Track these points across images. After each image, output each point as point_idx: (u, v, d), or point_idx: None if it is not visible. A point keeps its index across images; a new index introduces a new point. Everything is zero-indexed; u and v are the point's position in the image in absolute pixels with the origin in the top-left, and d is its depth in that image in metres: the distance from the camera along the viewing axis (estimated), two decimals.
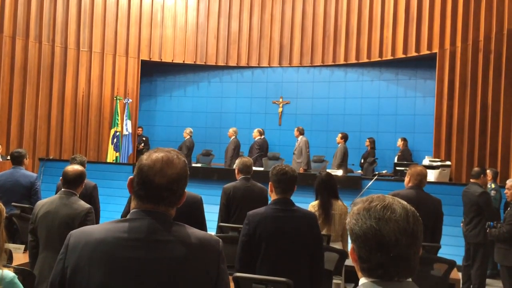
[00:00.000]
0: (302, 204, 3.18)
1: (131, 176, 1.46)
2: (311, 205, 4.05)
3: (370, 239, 1.11)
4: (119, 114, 10.39)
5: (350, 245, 1.22)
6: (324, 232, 3.86)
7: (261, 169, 8.23)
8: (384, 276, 1.12)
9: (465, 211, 5.58)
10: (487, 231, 4.96)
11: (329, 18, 10.75)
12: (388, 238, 1.09)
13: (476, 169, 5.76)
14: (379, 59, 10.07)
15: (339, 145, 9.07)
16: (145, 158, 1.44)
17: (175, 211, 1.46)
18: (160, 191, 1.40)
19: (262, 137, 9.90)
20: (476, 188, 5.45)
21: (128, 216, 1.41)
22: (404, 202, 1.16)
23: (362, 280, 1.16)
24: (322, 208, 3.97)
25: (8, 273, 1.65)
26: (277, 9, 11.18)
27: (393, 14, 9.76)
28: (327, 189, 4.05)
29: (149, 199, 1.40)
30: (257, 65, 11.34)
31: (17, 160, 5.10)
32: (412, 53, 9.47)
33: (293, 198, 2.93)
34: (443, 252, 4.00)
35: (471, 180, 5.66)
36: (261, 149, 9.68)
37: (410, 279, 1.14)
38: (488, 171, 6.16)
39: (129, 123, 10.50)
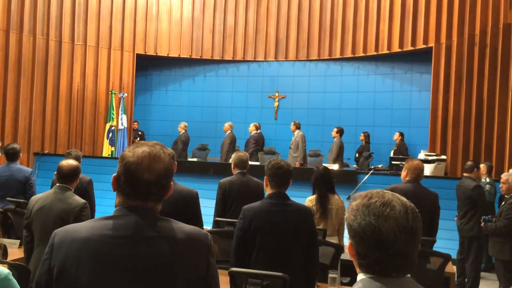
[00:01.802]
0: (298, 199, 3.17)
1: (114, 174, 1.42)
2: (308, 200, 4.06)
3: (369, 236, 1.10)
4: (114, 109, 10.34)
5: (346, 240, 1.21)
6: (321, 226, 3.87)
7: (257, 163, 8.22)
8: (382, 272, 1.11)
9: (459, 205, 5.61)
10: (482, 225, 4.98)
11: (325, 12, 10.72)
12: (387, 236, 1.08)
13: (469, 163, 5.77)
14: (375, 53, 10.06)
15: (334, 139, 9.08)
16: (130, 155, 1.39)
17: (161, 205, 1.44)
18: (149, 187, 1.38)
19: (258, 131, 9.89)
20: (470, 182, 5.47)
21: (113, 213, 1.39)
22: (404, 199, 1.15)
23: (361, 276, 1.15)
24: (320, 203, 3.98)
25: (2, 269, 1.63)
26: (273, 3, 11.14)
27: (389, 8, 9.75)
28: (324, 184, 4.06)
29: (138, 196, 1.38)
30: (253, 59, 11.31)
31: (12, 156, 5.07)
32: (408, 47, 9.48)
33: (289, 192, 2.93)
34: (437, 246, 4.02)
35: (464, 174, 5.68)
36: (257, 144, 9.67)
37: (409, 275, 1.14)
38: (482, 165, 6.18)
39: (124, 117, 10.45)
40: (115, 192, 1.44)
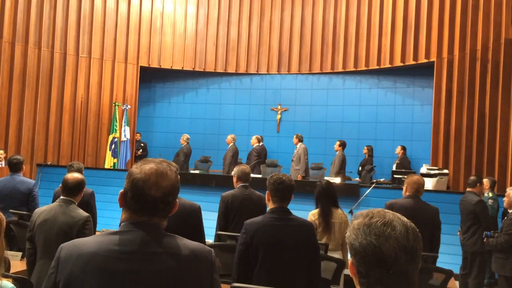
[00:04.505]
0: (300, 211, 3.18)
1: (121, 190, 1.45)
2: (311, 214, 4.05)
3: (370, 255, 1.11)
4: (118, 120, 10.39)
5: (350, 255, 1.22)
6: (324, 240, 3.87)
7: (259, 176, 8.23)
8: None
9: (462, 219, 5.59)
10: (485, 240, 4.97)
11: (328, 26, 10.81)
12: (388, 255, 1.09)
13: (472, 177, 5.77)
14: (377, 67, 10.12)
15: (337, 152, 9.08)
16: (138, 172, 1.42)
17: (167, 221, 1.46)
18: (156, 203, 1.40)
19: (261, 144, 9.91)
20: (473, 197, 5.47)
21: (119, 229, 1.41)
22: (405, 219, 1.16)
23: None
24: (322, 217, 3.97)
25: (7, 284, 1.65)
26: (276, 17, 11.24)
27: (391, 23, 9.82)
28: (327, 198, 4.06)
29: (144, 212, 1.40)
30: (256, 72, 11.38)
31: (15, 166, 5.09)
32: (410, 61, 9.52)
33: (291, 205, 2.93)
34: (440, 261, 4.00)
35: (468, 189, 5.68)
36: (259, 156, 9.68)
37: None
38: (485, 180, 6.16)
39: (127, 129, 10.50)
40: (121, 208, 1.46)
